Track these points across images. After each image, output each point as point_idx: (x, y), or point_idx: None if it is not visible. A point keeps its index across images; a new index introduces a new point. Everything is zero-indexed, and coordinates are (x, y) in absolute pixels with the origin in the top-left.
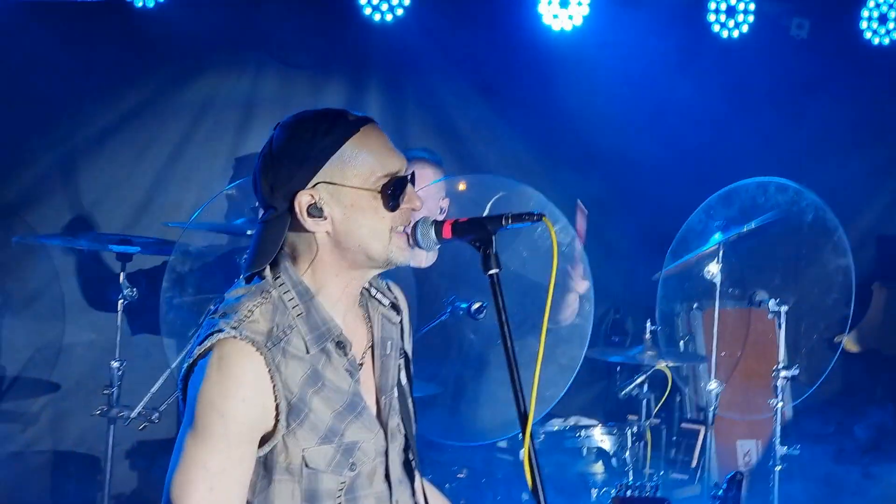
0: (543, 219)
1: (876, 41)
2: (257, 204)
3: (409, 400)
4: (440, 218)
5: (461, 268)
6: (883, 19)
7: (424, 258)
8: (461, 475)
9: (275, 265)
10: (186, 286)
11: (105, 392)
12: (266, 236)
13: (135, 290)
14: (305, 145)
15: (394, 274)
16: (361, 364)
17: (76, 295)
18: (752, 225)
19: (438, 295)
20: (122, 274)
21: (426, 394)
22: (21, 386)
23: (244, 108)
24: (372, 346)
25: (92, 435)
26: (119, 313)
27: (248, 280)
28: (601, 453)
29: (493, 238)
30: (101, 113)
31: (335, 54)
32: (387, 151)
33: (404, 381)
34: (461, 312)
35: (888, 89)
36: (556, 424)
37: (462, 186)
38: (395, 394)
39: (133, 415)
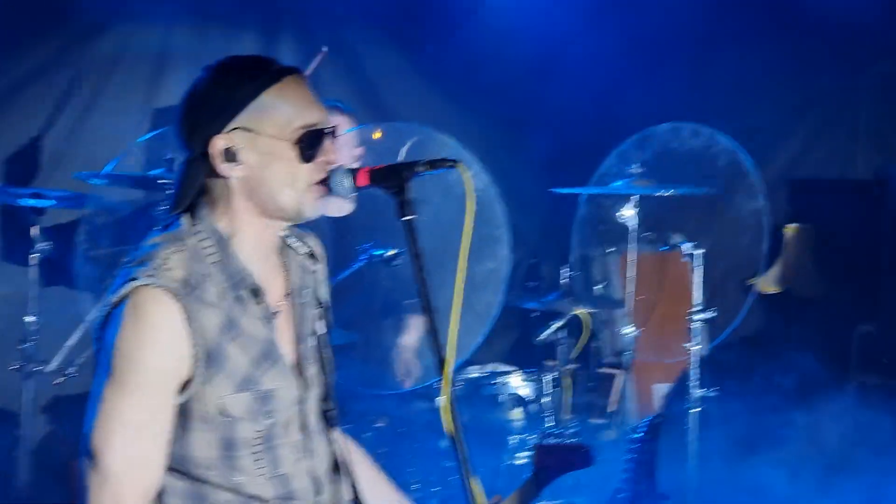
0: (459, 165)
1: None
2: (180, 147)
3: (328, 349)
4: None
5: (377, 215)
6: None
7: (341, 207)
8: (379, 424)
9: (194, 211)
10: (102, 239)
11: (20, 347)
12: (184, 179)
13: (49, 243)
14: (226, 90)
15: (310, 222)
16: (276, 312)
17: None
18: (671, 191)
19: (354, 243)
20: (35, 227)
21: (344, 342)
22: None
23: (156, 60)
24: (289, 295)
25: (8, 390)
26: (33, 267)
27: (166, 227)
28: (519, 400)
29: (408, 185)
30: (10, 67)
31: (248, 4)
32: (307, 103)
33: (322, 330)
34: (377, 260)
35: (799, 32)
36: (473, 372)
37: (377, 135)
38: (312, 342)
39: (49, 369)
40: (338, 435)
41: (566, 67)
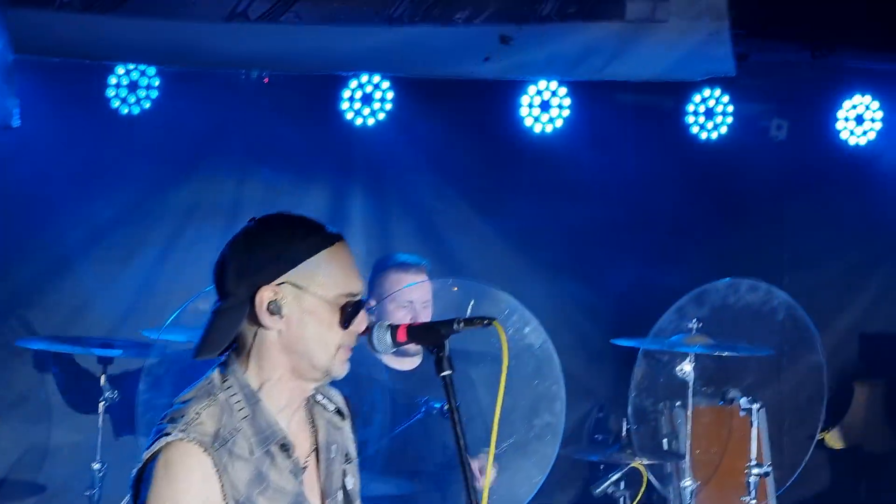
0: (494, 323)
1: (853, 141)
2: (215, 289)
3: (357, 502)
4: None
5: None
6: (859, 119)
7: (409, 362)
8: None
9: (224, 364)
10: (163, 388)
11: (87, 494)
12: (220, 324)
13: (116, 392)
14: (282, 243)
15: (372, 375)
16: (305, 467)
17: (61, 398)
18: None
19: (413, 395)
20: (103, 376)
21: (407, 492)
22: (7, 488)
23: (229, 213)
24: (317, 450)
25: None
26: (101, 415)
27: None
28: None
29: (446, 342)
30: (84, 220)
31: (318, 158)
32: (353, 272)
33: (350, 485)
34: (434, 412)
35: (865, 189)
36: None
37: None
38: (340, 497)
39: None
40: None
41: (629, 221)
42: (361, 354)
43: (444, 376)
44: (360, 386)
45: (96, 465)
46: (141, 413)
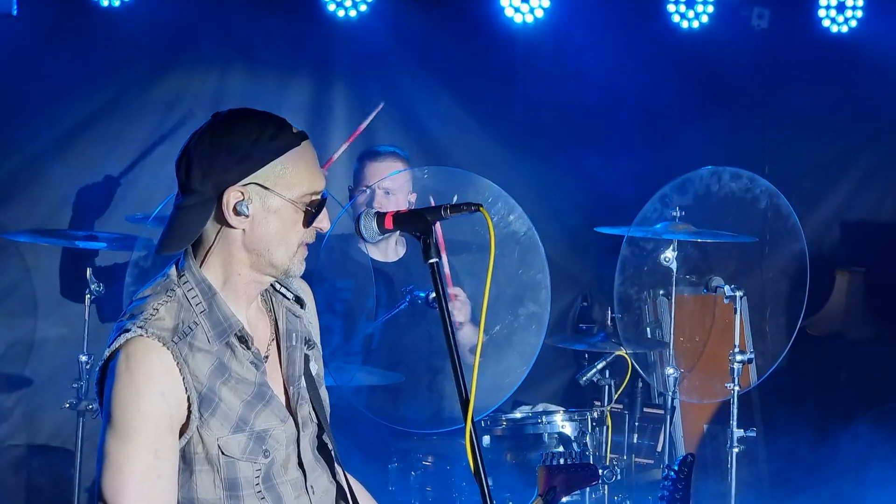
0: (481, 209)
1: (835, 29)
2: (178, 184)
3: (321, 388)
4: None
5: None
6: (841, 8)
7: (392, 252)
8: (427, 462)
9: (180, 260)
10: (149, 280)
11: (74, 385)
12: (184, 220)
13: (101, 284)
14: (249, 143)
15: (358, 263)
16: (267, 356)
17: (46, 291)
18: (708, 239)
19: (397, 284)
20: (88, 269)
21: (390, 382)
22: None
23: (211, 105)
24: (277, 339)
25: (65, 429)
26: (87, 308)
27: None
28: (563, 438)
29: (433, 228)
30: (67, 112)
31: (301, 51)
32: (317, 170)
33: (314, 370)
34: (419, 301)
35: (847, 78)
36: (523, 411)
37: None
38: (303, 383)
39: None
40: (341, 471)
41: (611, 111)
42: (348, 245)
43: (431, 263)
44: (346, 276)
45: (83, 357)
46: (126, 305)
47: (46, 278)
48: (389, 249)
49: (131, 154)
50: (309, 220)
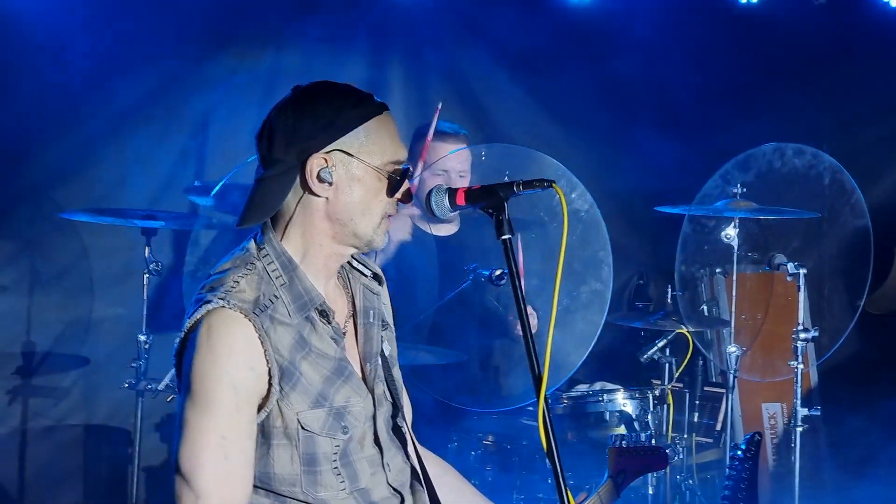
0: (553, 185)
1: (894, 3)
2: (259, 157)
3: (395, 368)
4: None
5: (483, 236)
6: None
7: (446, 227)
8: (487, 441)
9: (260, 234)
10: (209, 258)
11: (133, 365)
12: (267, 191)
13: (160, 263)
14: (332, 111)
15: (419, 241)
16: (344, 332)
17: (104, 270)
18: (770, 216)
19: (460, 263)
20: (147, 248)
21: (450, 361)
22: (52, 361)
23: (266, 83)
24: (354, 315)
25: (123, 408)
26: (145, 287)
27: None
28: (624, 417)
29: (506, 204)
30: (123, 91)
31: (355, 27)
32: (398, 140)
33: (388, 350)
34: (483, 279)
35: None
36: (580, 390)
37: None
38: (379, 362)
39: (160, 387)
40: (415, 449)
41: (669, 88)
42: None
43: (504, 240)
44: (406, 255)
45: (142, 337)
46: (187, 284)
47: (104, 257)
48: (443, 227)
49: (187, 131)
50: (392, 188)
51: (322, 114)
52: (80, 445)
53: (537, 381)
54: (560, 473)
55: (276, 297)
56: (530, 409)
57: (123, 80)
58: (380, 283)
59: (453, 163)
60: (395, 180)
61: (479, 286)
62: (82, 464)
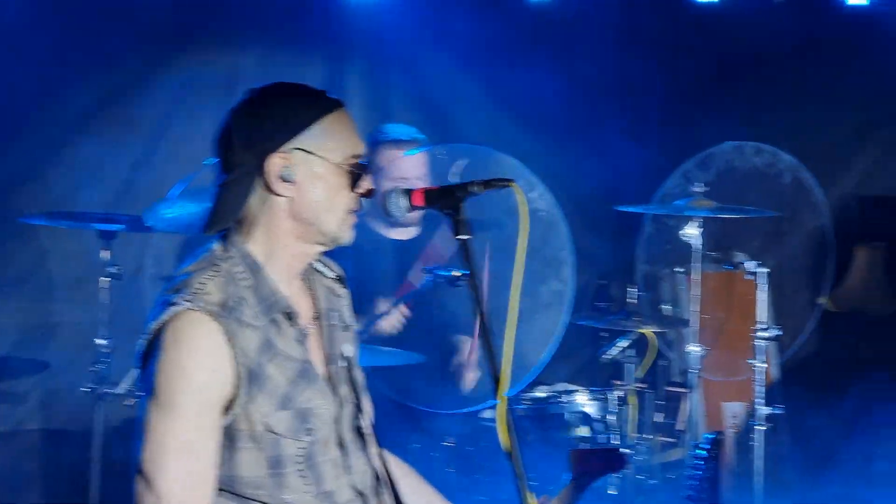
0: (512, 184)
1: (852, 1)
2: (219, 161)
3: (357, 370)
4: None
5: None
6: None
7: (406, 232)
8: (448, 443)
9: (224, 236)
10: (168, 261)
11: (91, 369)
12: (229, 195)
13: (119, 267)
14: (289, 110)
15: (376, 242)
16: (308, 334)
17: (63, 274)
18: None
19: (412, 264)
20: (105, 252)
21: (410, 362)
22: (11, 366)
23: (225, 86)
24: (318, 318)
25: (82, 413)
26: (104, 291)
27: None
28: (586, 418)
29: (463, 205)
30: (82, 94)
31: (314, 29)
32: (357, 135)
33: (350, 352)
34: (442, 280)
35: (865, 51)
36: (541, 391)
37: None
38: (342, 364)
39: (119, 391)
40: (377, 451)
41: (628, 87)
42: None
43: (462, 240)
44: (363, 257)
45: (102, 341)
46: (146, 287)
47: (63, 261)
48: (404, 230)
49: (147, 135)
50: (352, 182)
51: (278, 113)
52: (40, 450)
53: (496, 382)
54: (521, 475)
55: (242, 298)
56: (491, 410)
57: (80, 82)
58: (343, 285)
59: (411, 168)
60: (357, 174)
61: (439, 287)
62: (41, 468)
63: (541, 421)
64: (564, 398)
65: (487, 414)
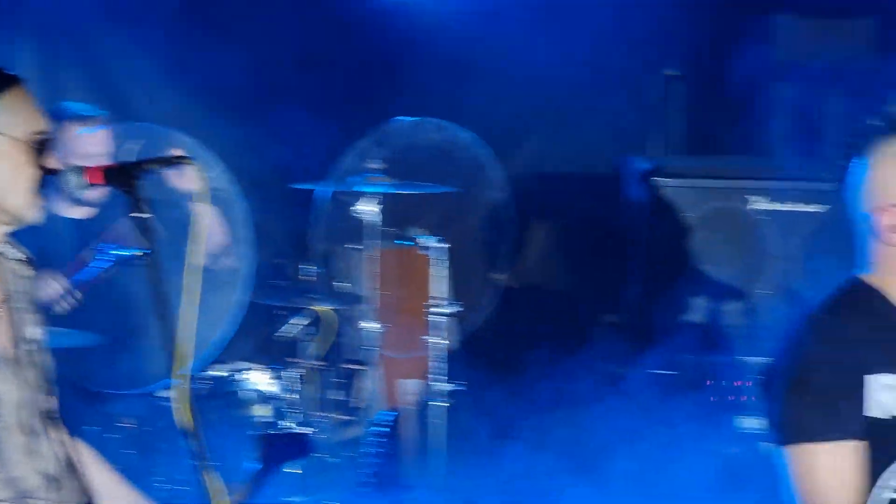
0: (187, 161)
1: None
2: None
3: (44, 354)
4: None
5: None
6: None
7: (85, 211)
8: (126, 425)
9: None
10: None
11: None
12: None
13: None
14: None
15: (51, 220)
16: None
17: None
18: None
19: (93, 244)
20: None
21: (86, 343)
22: None
23: None
24: (4, 300)
25: None
26: None
27: None
28: (265, 397)
29: (139, 182)
30: None
31: None
32: (38, 110)
33: (37, 335)
34: (119, 260)
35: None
36: (219, 370)
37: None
38: (29, 347)
39: None
40: (65, 437)
41: (309, 64)
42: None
43: (137, 218)
44: (40, 235)
45: None
46: None
47: None
48: (81, 210)
49: None
50: (37, 159)
51: None
52: None
53: (173, 360)
54: (202, 454)
55: None
56: (169, 389)
57: None
58: (30, 266)
59: (92, 146)
60: (40, 151)
61: (116, 267)
62: None
63: (219, 399)
64: (243, 376)
65: (164, 393)
